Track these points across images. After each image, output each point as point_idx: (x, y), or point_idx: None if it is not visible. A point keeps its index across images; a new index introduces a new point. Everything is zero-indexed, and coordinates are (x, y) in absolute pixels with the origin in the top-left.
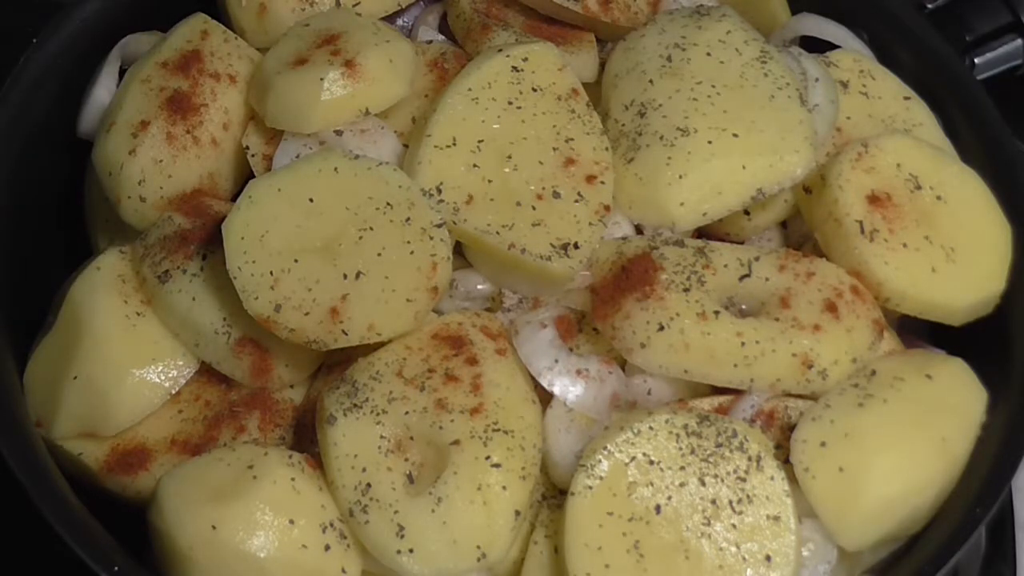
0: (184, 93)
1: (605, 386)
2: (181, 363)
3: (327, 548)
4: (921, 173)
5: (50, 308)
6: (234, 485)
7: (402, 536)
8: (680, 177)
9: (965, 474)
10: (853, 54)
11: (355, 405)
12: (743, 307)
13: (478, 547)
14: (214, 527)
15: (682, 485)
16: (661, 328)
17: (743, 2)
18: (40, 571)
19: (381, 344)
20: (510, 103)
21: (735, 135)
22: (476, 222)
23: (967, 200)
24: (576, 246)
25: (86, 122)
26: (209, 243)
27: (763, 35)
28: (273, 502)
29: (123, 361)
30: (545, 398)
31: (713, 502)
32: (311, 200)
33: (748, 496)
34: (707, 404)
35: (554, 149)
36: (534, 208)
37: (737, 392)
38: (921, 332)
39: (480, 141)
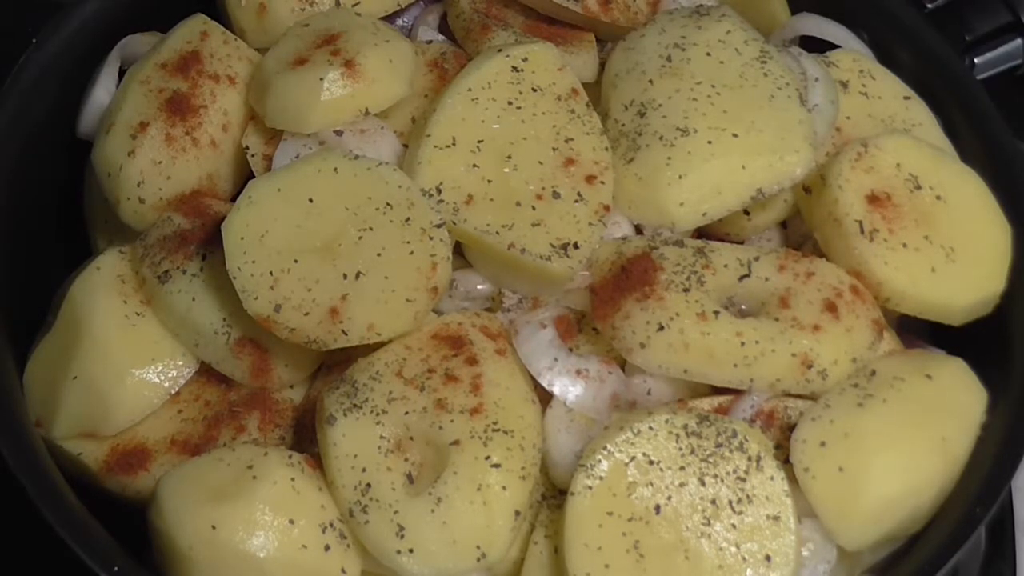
0: (183, 94)
1: (605, 386)
2: (181, 363)
3: (327, 548)
4: (921, 173)
5: (50, 308)
6: (234, 485)
7: (402, 536)
8: (680, 177)
9: (965, 474)
10: (853, 54)
11: (355, 405)
12: (743, 307)
13: (478, 547)
14: (214, 527)
15: (682, 485)
16: (661, 328)
17: (743, 2)
18: (40, 571)
19: (381, 344)
20: (510, 103)
21: (735, 135)
22: (476, 222)
23: (967, 200)
24: (576, 246)
25: (86, 123)
26: (209, 243)
27: (763, 35)
28: (273, 502)
29: (123, 361)
30: (545, 398)
31: (713, 502)
32: (311, 200)
33: (748, 496)
34: (707, 404)
35: (554, 149)
36: (534, 208)
37: (737, 392)
38: (921, 332)
39: (480, 141)
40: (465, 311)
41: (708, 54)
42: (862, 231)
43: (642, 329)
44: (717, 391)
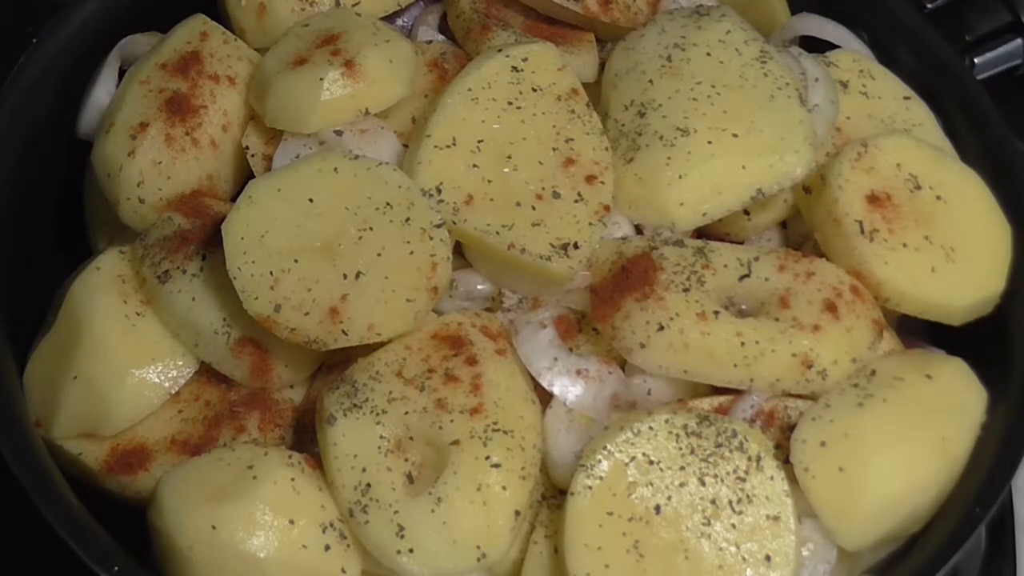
0: (183, 95)
1: (605, 386)
2: (181, 363)
3: (327, 548)
4: (921, 173)
5: (50, 308)
6: (234, 485)
7: (402, 536)
8: (680, 177)
9: (965, 474)
10: (853, 54)
11: (355, 405)
12: (743, 307)
13: (478, 547)
14: (214, 527)
15: (682, 485)
16: (661, 328)
17: (743, 2)
18: (40, 571)
19: (381, 344)
20: (510, 103)
21: (735, 135)
22: (476, 222)
23: (967, 200)
24: (576, 246)
25: (86, 123)
26: (209, 243)
27: (763, 35)
28: (273, 502)
29: (123, 361)
30: (545, 398)
31: (713, 502)
32: (311, 200)
33: (748, 496)
34: (707, 404)
35: (554, 149)
36: (534, 208)
37: (737, 392)
38: (921, 332)
39: (480, 141)
40: (465, 311)
41: (708, 54)
42: (862, 231)
43: (642, 329)
44: (717, 391)
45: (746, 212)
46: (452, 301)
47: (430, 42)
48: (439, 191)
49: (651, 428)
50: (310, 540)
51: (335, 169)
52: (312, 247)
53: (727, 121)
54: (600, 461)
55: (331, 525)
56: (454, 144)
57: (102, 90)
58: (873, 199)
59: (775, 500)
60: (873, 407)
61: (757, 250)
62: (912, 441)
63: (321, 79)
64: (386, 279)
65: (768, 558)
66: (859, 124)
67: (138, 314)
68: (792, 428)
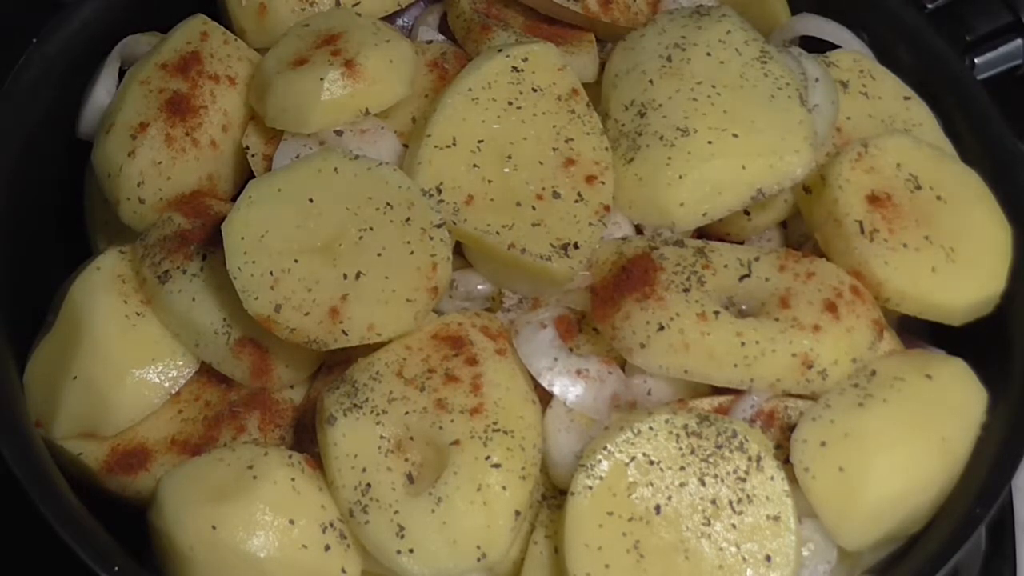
0: (183, 95)
1: (605, 386)
2: (181, 363)
3: (327, 548)
4: (921, 173)
5: (50, 308)
6: (234, 485)
7: (402, 536)
8: (680, 177)
9: (965, 474)
10: (853, 54)
11: (355, 405)
12: (743, 307)
13: (478, 547)
14: (214, 527)
15: (682, 485)
16: (661, 328)
17: (743, 2)
18: (40, 571)
19: (381, 344)
20: (510, 103)
21: (735, 135)
22: (476, 222)
23: (967, 200)
24: (576, 246)
25: (86, 123)
26: (209, 243)
27: (763, 35)
28: (273, 502)
29: (123, 361)
30: (545, 398)
31: (713, 502)
32: (311, 200)
33: (748, 496)
34: (707, 404)
35: (554, 149)
36: (534, 208)
37: (737, 392)
38: (921, 332)
39: (480, 141)
40: (465, 311)
41: (708, 54)
42: (862, 231)
43: (642, 329)
44: (717, 391)
45: (746, 212)
46: (452, 301)
47: (430, 42)
48: (439, 191)
49: (651, 428)
50: (310, 540)
51: (335, 169)
52: (312, 247)
53: (727, 121)
54: (600, 461)
55: (331, 525)
56: (454, 144)
57: (102, 90)
58: (873, 199)
59: (775, 500)
60: (873, 407)
61: (757, 250)
62: (912, 441)
63: (321, 79)
64: (386, 279)
65: (768, 558)
66: (859, 124)
67: (138, 314)
68: (792, 428)
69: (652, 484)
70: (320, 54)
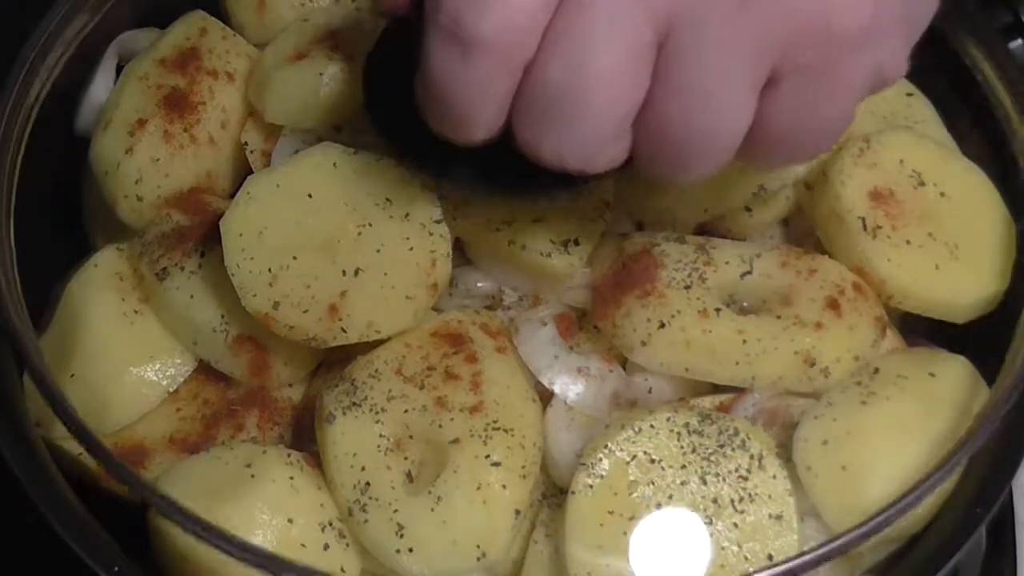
0: (182, 91)
1: (606, 384)
2: (179, 361)
3: (326, 547)
4: (924, 169)
5: (48, 306)
6: (232, 484)
7: (401, 535)
8: None
9: (965, 473)
10: None
11: (354, 403)
12: (744, 304)
13: (478, 546)
14: None
15: (683, 484)
16: (662, 326)
17: None
18: (40, 571)
19: (380, 342)
20: None
21: None
22: (476, 218)
23: (970, 197)
24: (576, 242)
25: (83, 120)
26: (207, 240)
27: None
28: (271, 501)
29: (121, 359)
30: (545, 396)
31: (715, 501)
32: (310, 196)
33: (750, 495)
34: (708, 402)
35: None
36: None
37: (738, 390)
38: (922, 330)
39: None
40: (465, 309)
41: None
42: (865, 228)
43: (643, 327)
44: (719, 389)
45: (748, 209)
46: (452, 299)
47: None
48: (439, 185)
49: (652, 426)
50: (309, 539)
51: (334, 164)
52: (311, 244)
53: None
54: (601, 459)
55: (330, 524)
56: None
57: (99, 86)
58: (876, 196)
59: (777, 499)
60: (876, 405)
61: (759, 247)
62: (915, 439)
63: (320, 74)
64: (385, 275)
65: (770, 557)
66: (861, 120)
67: (136, 312)
68: (794, 426)
69: (653, 483)
70: (320, 49)
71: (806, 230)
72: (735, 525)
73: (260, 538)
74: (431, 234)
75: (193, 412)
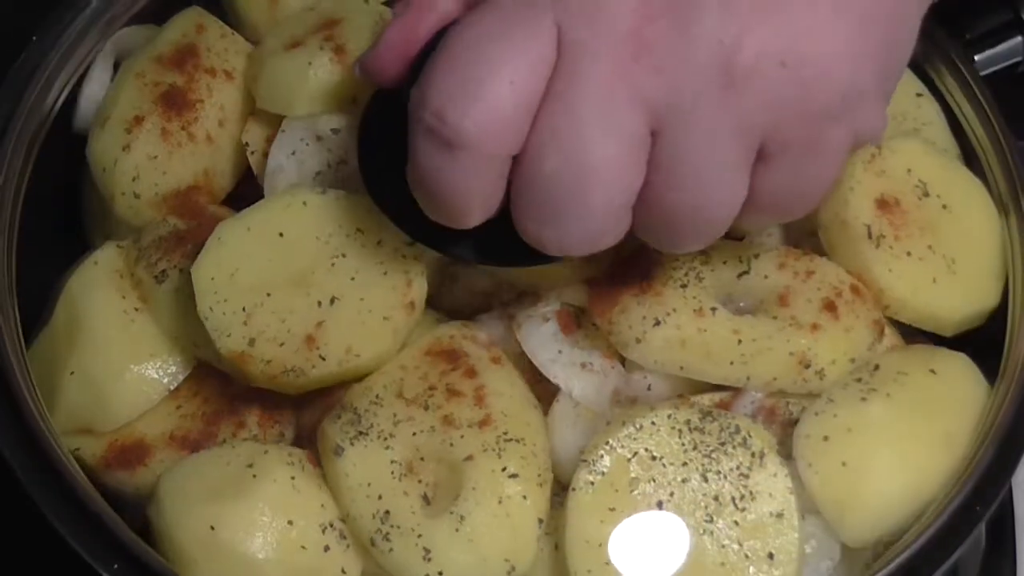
0: (179, 88)
1: (608, 380)
2: (180, 359)
3: (326, 549)
4: (930, 180)
5: (47, 304)
6: (234, 484)
7: (429, 559)
8: None
9: (965, 471)
10: None
11: (361, 432)
12: (741, 304)
13: (506, 560)
14: (212, 527)
15: (684, 481)
16: (657, 323)
17: None
18: (40, 571)
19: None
20: None
21: None
22: None
23: (971, 211)
24: None
25: (81, 117)
26: (205, 244)
27: None
28: (272, 502)
29: (121, 357)
30: (543, 399)
31: (715, 499)
32: (281, 235)
33: (751, 493)
34: (708, 399)
35: None
36: None
37: (736, 388)
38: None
39: None
40: (452, 324)
41: None
42: (869, 236)
43: (638, 324)
44: (718, 386)
45: None
46: (452, 296)
47: None
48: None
49: (654, 423)
50: (309, 541)
51: (304, 203)
52: (285, 279)
53: None
54: (602, 456)
55: (331, 525)
56: None
57: (96, 84)
58: (882, 203)
59: (778, 497)
60: (876, 402)
61: (757, 247)
62: (916, 436)
63: (309, 63)
64: (361, 300)
65: (771, 556)
66: None
67: (136, 309)
68: (794, 423)
69: (654, 480)
70: (314, 39)
71: (805, 231)
72: (736, 523)
73: (260, 540)
74: (404, 256)
75: (194, 409)
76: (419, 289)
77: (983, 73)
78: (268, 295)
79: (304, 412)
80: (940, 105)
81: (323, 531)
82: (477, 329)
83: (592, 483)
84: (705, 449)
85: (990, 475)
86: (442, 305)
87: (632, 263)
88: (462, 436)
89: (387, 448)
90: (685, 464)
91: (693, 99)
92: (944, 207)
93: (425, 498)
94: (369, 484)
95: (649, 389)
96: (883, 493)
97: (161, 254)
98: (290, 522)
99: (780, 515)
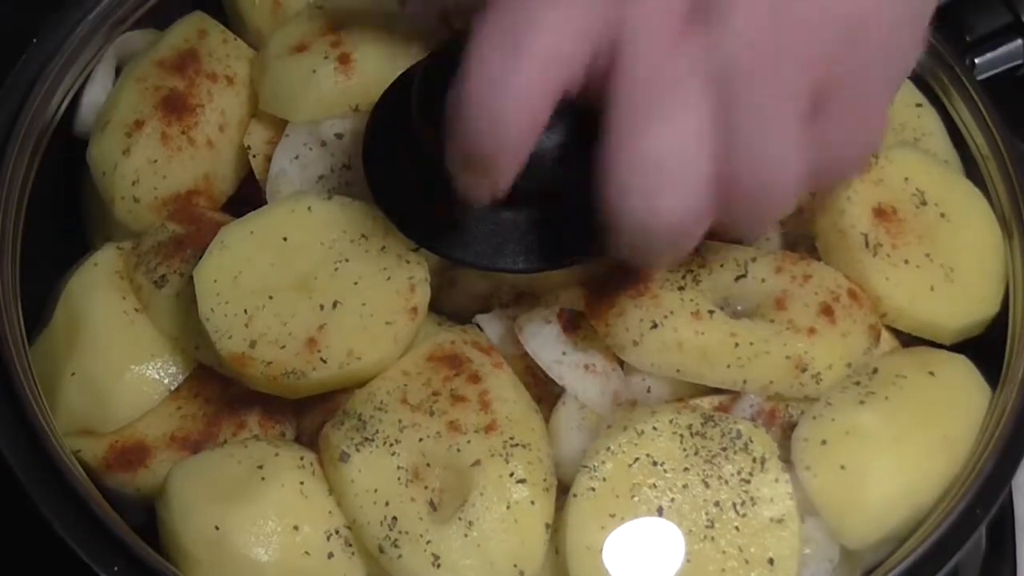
0: (180, 93)
1: (610, 382)
2: (180, 359)
3: (330, 555)
4: (927, 188)
5: (47, 305)
6: (242, 485)
7: (438, 565)
8: None
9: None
10: None
11: (366, 439)
12: (738, 308)
13: (515, 565)
14: (217, 528)
15: (685, 486)
16: (654, 326)
17: None
18: (40, 571)
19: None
20: None
21: None
22: None
23: (970, 220)
24: None
25: (82, 120)
26: (205, 247)
27: None
28: (279, 506)
29: (121, 358)
30: (543, 402)
31: (716, 504)
32: (285, 239)
33: (752, 498)
34: (707, 402)
35: None
36: None
37: (734, 391)
38: None
39: None
40: (452, 328)
41: None
42: (867, 244)
43: (635, 326)
44: (717, 389)
45: None
46: (452, 298)
47: None
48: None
49: (655, 428)
50: (313, 547)
51: (309, 208)
52: (287, 283)
53: None
54: (604, 462)
55: (336, 532)
56: None
57: (98, 87)
58: (879, 212)
59: (779, 502)
60: (875, 405)
61: (755, 251)
62: (914, 439)
63: (314, 71)
64: (364, 305)
65: (771, 561)
66: None
67: (136, 310)
68: (793, 427)
69: (655, 485)
70: (320, 43)
71: (803, 235)
72: (736, 528)
73: (264, 543)
74: (408, 262)
75: (194, 410)
76: (422, 295)
77: (983, 76)
78: (270, 298)
79: (304, 416)
80: (941, 115)
81: (328, 538)
82: (477, 333)
83: (593, 489)
84: (706, 454)
85: (990, 478)
86: (442, 308)
87: (629, 266)
88: (468, 441)
89: (393, 454)
90: (686, 469)
91: (750, 59)
92: (942, 215)
93: (432, 504)
94: (376, 490)
95: (649, 392)
96: (882, 496)
97: (160, 259)
98: (296, 527)
99: (781, 520)
